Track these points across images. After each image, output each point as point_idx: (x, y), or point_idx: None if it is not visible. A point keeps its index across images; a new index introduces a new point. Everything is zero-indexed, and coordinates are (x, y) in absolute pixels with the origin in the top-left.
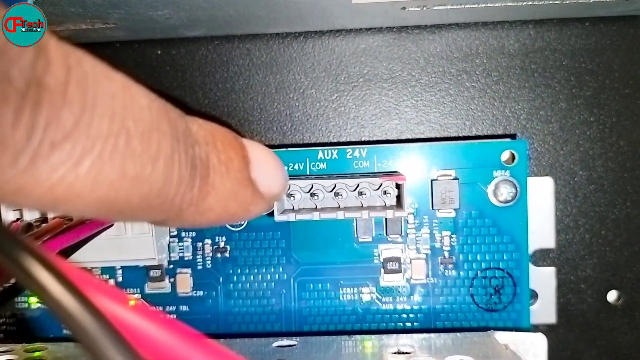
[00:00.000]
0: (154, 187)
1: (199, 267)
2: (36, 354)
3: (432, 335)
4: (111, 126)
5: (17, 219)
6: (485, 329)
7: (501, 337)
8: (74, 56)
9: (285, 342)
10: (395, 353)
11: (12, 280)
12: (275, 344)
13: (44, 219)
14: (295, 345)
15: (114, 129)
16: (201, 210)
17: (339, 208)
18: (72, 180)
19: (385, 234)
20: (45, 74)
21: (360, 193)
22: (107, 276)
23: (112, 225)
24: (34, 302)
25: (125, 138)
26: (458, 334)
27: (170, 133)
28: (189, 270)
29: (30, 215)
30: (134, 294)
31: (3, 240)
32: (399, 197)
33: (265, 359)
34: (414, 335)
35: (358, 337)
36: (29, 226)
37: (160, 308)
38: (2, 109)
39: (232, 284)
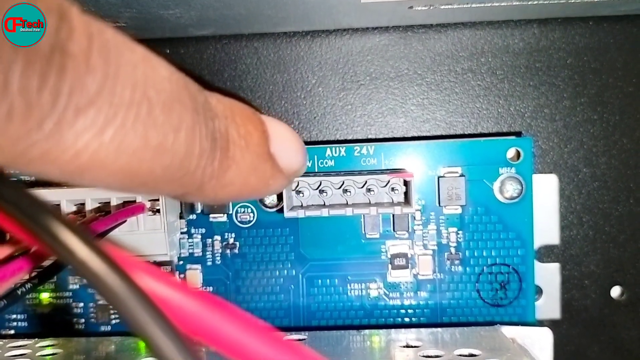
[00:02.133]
0: (175, 158)
1: (209, 264)
2: (48, 349)
3: (440, 329)
4: (133, 95)
5: None
6: (491, 323)
7: (507, 331)
8: (96, 25)
9: (295, 336)
10: (403, 347)
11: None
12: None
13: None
14: (305, 339)
15: (136, 98)
16: (222, 184)
17: (347, 205)
18: (96, 147)
19: (392, 231)
20: (69, 41)
21: (368, 190)
22: None
23: (125, 221)
24: (45, 298)
25: (147, 107)
26: (465, 328)
27: (190, 105)
28: (199, 267)
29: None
30: None
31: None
32: (406, 194)
33: None
34: (422, 329)
35: (366, 331)
36: None
37: None
38: (28, 73)
39: (241, 280)
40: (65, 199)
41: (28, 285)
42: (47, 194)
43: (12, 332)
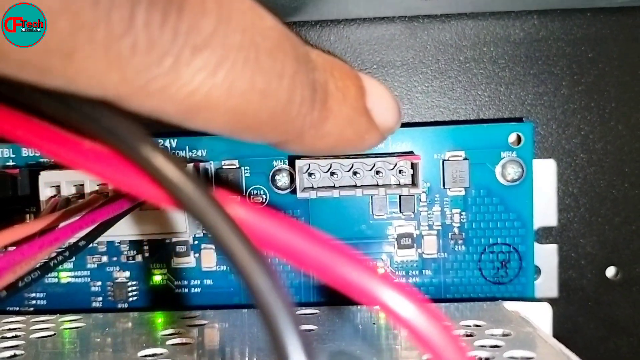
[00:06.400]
0: (279, 103)
1: None
2: (69, 323)
3: (444, 304)
4: (243, 39)
5: (55, 195)
6: (493, 299)
7: (509, 306)
8: None
9: (308, 311)
10: None
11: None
12: (298, 312)
13: (80, 195)
14: (317, 313)
15: (245, 43)
16: (320, 134)
17: (356, 186)
18: (210, 87)
19: (399, 212)
20: None
21: (377, 172)
22: (135, 251)
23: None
24: (63, 277)
25: (255, 52)
26: (469, 303)
27: (292, 54)
28: (213, 246)
29: (68, 190)
30: (161, 268)
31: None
32: (413, 176)
33: None
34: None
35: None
36: (67, 201)
37: (186, 282)
38: (152, 11)
39: None
40: (65, 181)
41: (59, 258)
42: (47, 176)
43: (32, 309)
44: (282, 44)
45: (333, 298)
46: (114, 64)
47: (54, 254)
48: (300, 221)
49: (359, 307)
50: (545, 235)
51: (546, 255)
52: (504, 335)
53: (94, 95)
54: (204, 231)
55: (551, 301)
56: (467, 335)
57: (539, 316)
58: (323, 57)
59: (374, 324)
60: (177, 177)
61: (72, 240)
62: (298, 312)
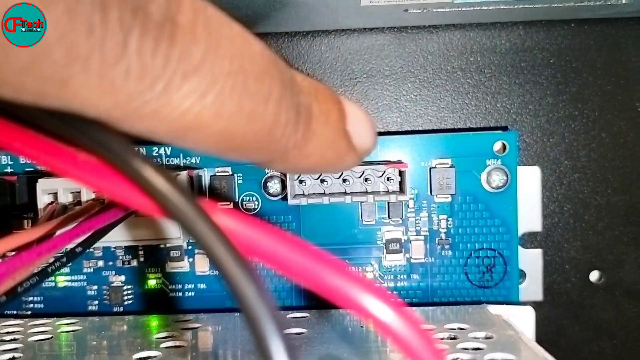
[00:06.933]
0: (265, 125)
1: None
2: (66, 326)
3: (431, 308)
4: (231, 66)
5: (52, 202)
6: (478, 303)
7: (493, 309)
8: (200, 2)
9: (298, 314)
10: None
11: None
12: (289, 316)
13: (77, 202)
14: (307, 316)
15: (234, 69)
16: (303, 154)
17: (345, 193)
18: (199, 109)
19: (387, 218)
20: (178, 14)
21: (366, 179)
22: (130, 256)
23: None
24: (60, 281)
25: (243, 78)
26: (454, 306)
27: (279, 79)
28: None
29: (65, 198)
30: (156, 273)
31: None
32: (401, 183)
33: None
34: (415, 308)
35: None
36: (65, 208)
37: (180, 286)
38: (144, 38)
39: None
40: (62, 188)
41: (57, 264)
42: (44, 183)
43: (29, 313)
44: (269, 68)
45: (324, 302)
46: (107, 89)
47: (51, 260)
48: (285, 229)
49: (348, 310)
50: (530, 240)
51: (531, 260)
52: (486, 338)
53: (87, 115)
54: (192, 239)
55: (536, 304)
56: (451, 338)
57: (523, 319)
58: (308, 81)
59: (362, 326)
60: (164, 188)
61: (69, 246)
62: (288, 316)
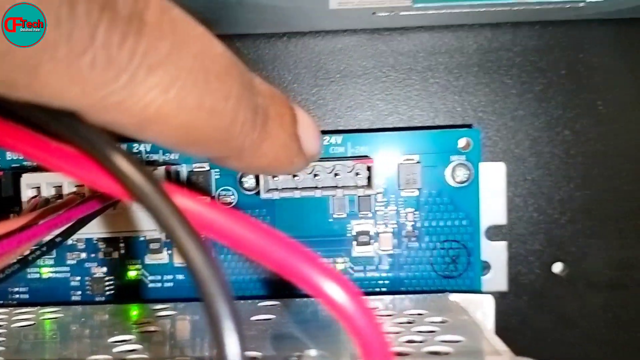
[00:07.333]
0: (224, 122)
1: None
2: (49, 314)
3: (398, 296)
4: (194, 63)
5: (35, 195)
6: (442, 292)
7: (454, 297)
8: (167, 3)
9: (268, 303)
10: None
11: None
12: (260, 304)
13: (59, 196)
14: (277, 304)
15: (196, 66)
16: (258, 154)
17: (316, 187)
18: (161, 102)
19: (357, 211)
20: (145, 11)
21: (335, 174)
22: (112, 248)
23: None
24: (45, 272)
25: (204, 75)
26: (419, 295)
27: (239, 79)
28: None
29: (47, 191)
30: (135, 264)
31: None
32: (369, 178)
33: (252, 314)
34: (383, 297)
35: None
36: (47, 201)
37: (159, 277)
38: (112, 32)
39: (222, 255)
40: (45, 182)
41: (38, 252)
42: (28, 178)
43: (15, 303)
44: (230, 69)
45: (294, 291)
46: (74, 78)
47: (33, 249)
48: (247, 214)
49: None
50: (495, 232)
51: (496, 252)
52: (441, 322)
53: (58, 106)
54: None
55: (501, 295)
56: (408, 323)
57: (483, 307)
58: (266, 85)
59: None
60: (129, 171)
61: (50, 236)
62: (259, 304)
